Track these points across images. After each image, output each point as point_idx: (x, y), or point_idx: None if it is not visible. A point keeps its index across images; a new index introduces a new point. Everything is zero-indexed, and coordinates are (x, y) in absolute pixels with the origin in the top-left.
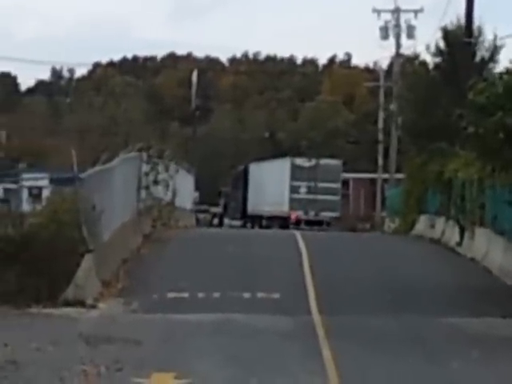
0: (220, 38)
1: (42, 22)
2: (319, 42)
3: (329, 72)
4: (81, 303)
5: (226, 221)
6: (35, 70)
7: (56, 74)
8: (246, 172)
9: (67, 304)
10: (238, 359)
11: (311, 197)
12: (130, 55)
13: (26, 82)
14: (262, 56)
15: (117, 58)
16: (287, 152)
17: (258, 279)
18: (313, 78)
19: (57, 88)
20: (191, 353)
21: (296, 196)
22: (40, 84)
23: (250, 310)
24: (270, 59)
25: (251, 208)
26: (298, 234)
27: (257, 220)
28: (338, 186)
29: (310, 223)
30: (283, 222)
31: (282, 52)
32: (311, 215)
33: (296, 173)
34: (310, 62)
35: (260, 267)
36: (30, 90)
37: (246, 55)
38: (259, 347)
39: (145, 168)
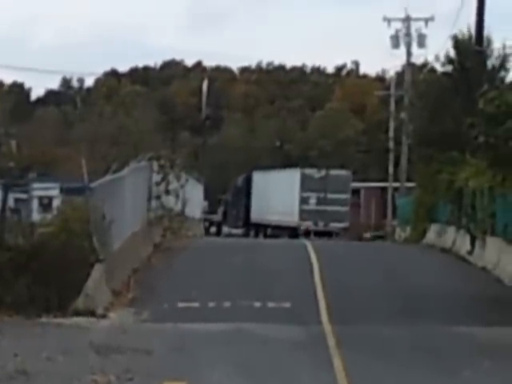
0: (232, 47)
1: (56, 32)
2: (330, 51)
3: (340, 81)
4: (91, 313)
5: (225, 229)
6: (46, 80)
7: (66, 83)
8: (248, 180)
9: (77, 314)
10: (248, 369)
11: (321, 208)
12: (141, 64)
13: (36, 91)
14: (273, 65)
15: (128, 67)
16: (297, 161)
17: (268, 288)
18: (323, 87)
19: (67, 97)
20: (202, 362)
21: (306, 207)
22: (50, 93)
23: (260, 319)
24: (281, 68)
25: (255, 216)
26: (308, 243)
27: (261, 229)
28: (347, 196)
29: (319, 234)
30: (292, 231)
31: (293, 61)
32: (320, 226)
33: (306, 184)
34: (320, 71)
35: (271, 276)
36: (39, 100)
37: (257, 64)
38: (270, 357)
39: (155, 178)
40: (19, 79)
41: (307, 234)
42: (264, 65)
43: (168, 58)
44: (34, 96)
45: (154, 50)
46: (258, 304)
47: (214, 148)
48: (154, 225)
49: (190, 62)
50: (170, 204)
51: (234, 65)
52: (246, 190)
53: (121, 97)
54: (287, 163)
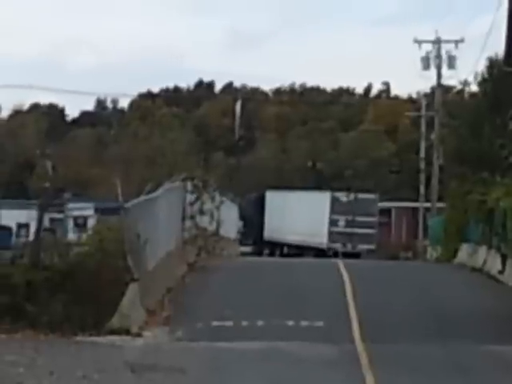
0: (266, 69)
1: (94, 55)
2: (361, 73)
3: (371, 102)
4: (126, 331)
5: None
6: (81, 101)
7: (100, 104)
8: (261, 199)
9: (113, 332)
10: None
11: (349, 230)
12: (176, 86)
13: (71, 112)
14: (306, 87)
15: (163, 88)
16: (330, 181)
17: (301, 307)
18: (355, 108)
19: (101, 119)
20: (236, 380)
21: (335, 229)
22: (85, 115)
23: (293, 337)
24: (314, 90)
25: (269, 234)
26: (340, 262)
27: (277, 247)
28: (374, 219)
29: (347, 255)
30: (318, 252)
31: (325, 82)
32: (349, 247)
33: (335, 206)
34: (352, 93)
35: (304, 295)
36: (74, 121)
37: (289, 86)
38: (303, 375)
39: (189, 198)
40: (55, 101)
41: (335, 254)
42: (297, 86)
43: (203, 79)
44: (69, 117)
45: (190, 71)
46: (291, 323)
47: (247, 168)
48: (189, 244)
49: (224, 83)
50: (204, 224)
51: (267, 86)
52: (258, 208)
53: (156, 118)
54: (319, 183)
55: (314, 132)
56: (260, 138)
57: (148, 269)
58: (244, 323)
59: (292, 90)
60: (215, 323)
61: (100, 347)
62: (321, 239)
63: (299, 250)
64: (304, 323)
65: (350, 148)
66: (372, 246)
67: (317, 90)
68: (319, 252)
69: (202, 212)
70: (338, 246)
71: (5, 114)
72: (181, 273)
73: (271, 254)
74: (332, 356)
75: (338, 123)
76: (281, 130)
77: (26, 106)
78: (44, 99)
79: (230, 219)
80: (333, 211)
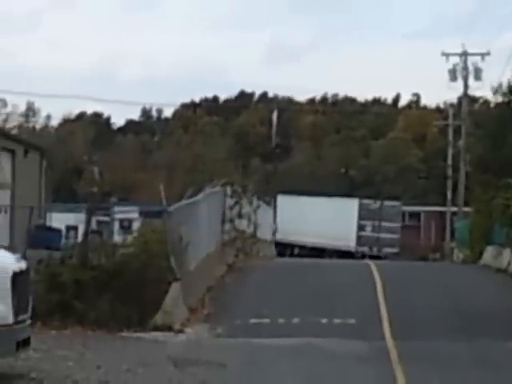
0: (301, 80)
1: (141, 66)
2: (391, 84)
3: (401, 112)
4: (169, 328)
5: None
6: (127, 110)
7: (145, 113)
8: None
9: (156, 329)
10: (316, 381)
11: (375, 235)
12: (214, 95)
13: (117, 121)
14: (338, 97)
15: (204, 99)
16: (360, 187)
17: (334, 305)
18: (385, 117)
19: (146, 127)
20: (273, 375)
21: (363, 233)
22: (130, 123)
23: (327, 334)
24: (345, 100)
25: (279, 237)
26: (371, 263)
27: (287, 248)
28: (398, 225)
29: (373, 258)
30: (343, 254)
31: (356, 93)
32: (374, 251)
33: (363, 213)
34: (383, 103)
35: (337, 294)
36: (120, 129)
37: (322, 96)
38: (336, 370)
39: (229, 202)
40: (103, 110)
41: (363, 257)
42: (329, 96)
43: (242, 89)
44: (114, 125)
45: (231, 82)
46: (324, 320)
47: (283, 174)
48: (228, 246)
49: (261, 93)
50: (242, 227)
51: (301, 97)
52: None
53: (199, 126)
54: (351, 188)
55: (347, 140)
56: (296, 146)
57: (190, 269)
58: (280, 320)
59: (324, 100)
60: (253, 320)
61: (144, 343)
62: (349, 242)
63: (315, 252)
64: (337, 321)
65: (380, 155)
66: (395, 250)
67: (348, 100)
68: (344, 254)
69: (240, 215)
70: (365, 250)
71: (54, 122)
72: (220, 273)
73: (280, 255)
74: (363, 352)
75: (369, 132)
76: (315, 138)
77: (73, 115)
78: (92, 108)
79: (266, 222)
80: (361, 217)
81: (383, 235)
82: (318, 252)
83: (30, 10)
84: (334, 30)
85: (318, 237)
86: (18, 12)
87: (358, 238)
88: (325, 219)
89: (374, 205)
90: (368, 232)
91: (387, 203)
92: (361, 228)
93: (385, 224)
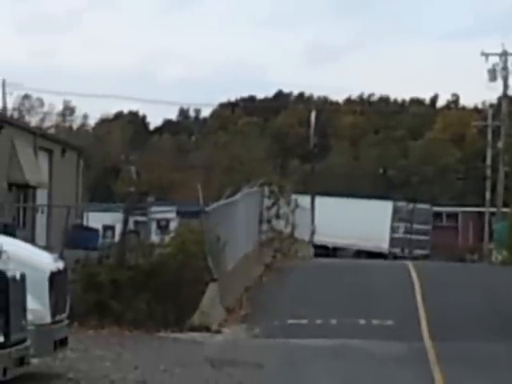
0: (337, 79)
1: (181, 66)
2: (430, 84)
3: (439, 112)
4: (206, 328)
5: None
6: (165, 110)
7: (183, 113)
8: None
9: (193, 329)
10: (354, 382)
11: (407, 236)
12: (251, 95)
13: (155, 121)
14: (374, 96)
15: (240, 98)
16: (399, 187)
17: (372, 306)
18: (423, 117)
19: (183, 127)
20: (310, 376)
21: (396, 235)
22: (167, 123)
23: (365, 335)
24: (383, 100)
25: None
26: (410, 263)
27: (324, 249)
28: (429, 227)
29: (404, 259)
30: (375, 255)
31: (394, 93)
32: (406, 252)
33: (397, 214)
34: (420, 103)
35: (375, 295)
36: (157, 129)
37: (358, 96)
38: (374, 371)
39: (266, 202)
40: (141, 110)
41: (395, 258)
42: (365, 96)
43: (279, 89)
44: (151, 125)
45: (269, 82)
46: (362, 321)
47: (321, 175)
48: (265, 246)
49: (300, 93)
50: (280, 227)
51: (337, 96)
52: None
53: (238, 126)
54: (388, 189)
55: (385, 140)
56: (335, 146)
57: (227, 269)
58: (318, 321)
59: (361, 100)
60: (290, 321)
61: (181, 343)
62: (382, 244)
63: (348, 253)
64: (375, 322)
65: (419, 155)
66: (426, 252)
67: (384, 100)
68: (376, 255)
69: (278, 216)
70: (397, 251)
71: (92, 121)
72: (258, 273)
73: (316, 255)
74: (401, 353)
75: (407, 132)
76: (354, 138)
77: (111, 115)
78: (131, 108)
79: (303, 222)
80: (394, 219)
81: (415, 237)
82: (352, 253)
83: (70, 10)
84: (374, 30)
85: (351, 238)
86: (58, 11)
87: (391, 239)
88: (359, 220)
89: (407, 207)
90: (400, 234)
91: (419, 206)
92: (394, 230)
93: (416, 226)
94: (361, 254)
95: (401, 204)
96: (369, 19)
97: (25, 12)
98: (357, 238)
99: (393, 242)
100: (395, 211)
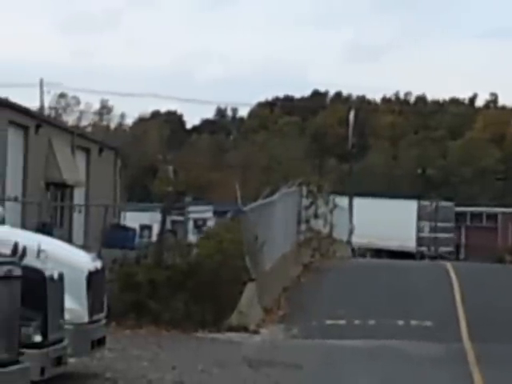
0: (374, 79)
1: (220, 65)
2: (468, 83)
3: (478, 112)
4: (244, 329)
5: None
6: (203, 110)
7: (220, 113)
8: None
9: (231, 329)
10: (392, 383)
11: (432, 235)
12: (287, 95)
13: (192, 120)
14: (411, 96)
15: (279, 97)
16: (438, 187)
17: (411, 307)
18: (462, 117)
19: (221, 126)
20: (348, 376)
21: (422, 234)
22: (205, 122)
23: (403, 336)
24: (421, 99)
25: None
26: (448, 264)
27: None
28: (452, 225)
29: (431, 258)
30: (405, 255)
31: (432, 92)
32: (432, 251)
33: (421, 214)
34: (459, 102)
35: (413, 295)
36: (195, 128)
37: (395, 95)
38: (412, 372)
39: (305, 202)
40: (177, 109)
41: (422, 257)
42: (401, 95)
43: (316, 88)
44: (189, 124)
45: (308, 82)
46: (400, 322)
47: (359, 174)
48: (303, 246)
49: (337, 93)
50: (318, 227)
51: (376, 95)
52: None
53: (278, 125)
54: (427, 189)
55: (425, 140)
56: (373, 146)
57: (265, 269)
58: (356, 322)
59: (399, 100)
60: (329, 321)
61: (219, 343)
62: (409, 243)
63: (380, 253)
64: (413, 322)
65: (458, 155)
66: (451, 249)
67: (422, 99)
68: (405, 255)
69: (316, 215)
70: (424, 250)
71: (129, 121)
72: (296, 273)
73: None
74: (440, 354)
75: (447, 132)
76: (394, 138)
77: (148, 114)
78: (168, 107)
79: (342, 222)
80: (420, 218)
81: (439, 235)
82: (383, 253)
83: (109, 9)
84: (413, 29)
85: (381, 238)
86: (96, 11)
87: (418, 238)
88: (385, 220)
89: (431, 206)
90: (426, 232)
91: (442, 204)
92: (420, 229)
93: (440, 224)
94: (391, 253)
95: (425, 203)
96: (408, 18)
97: (65, 12)
98: (386, 238)
99: (419, 241)
100: (420, 210)
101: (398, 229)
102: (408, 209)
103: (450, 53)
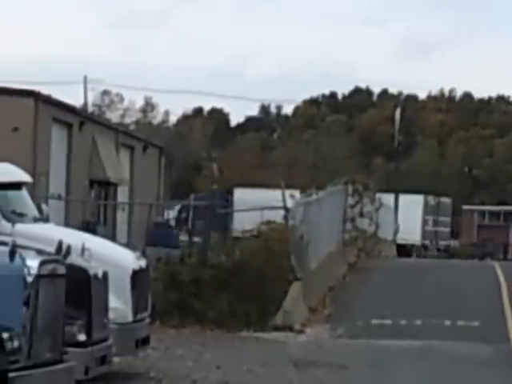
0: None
1: (268, 63)
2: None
3: None
4: (289, 328)
5: None
6: (249, 107)
7: (264, 110)
8: None
9: (276, 329)
10: None
11: (435, 228)
12: (333, 91)
13: (237, 118)
14: (456, 93)
15: (326, 95)
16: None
17: (458, 307)
18: (510, 115)
19: (266, 124)
20: (394, 377)
21: (426, 228)
22: (250, 120)
23: (450, 337)
24: (467, 97)
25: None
26: (496, 264)
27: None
28: (449, 219)
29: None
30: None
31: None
32: (434, 244)
33: (427, 208)
34: (506, 100)
35: (460, 295)
36: (239, 126)
37: (439, 92)
38: (460, 374)
39: (350, 201)
40: (222, 106)
41: (425, 249)
42: (446, 92)
43: (367, 86)
44: (233, 122)
45: (354, 79)
46: (447, 322)
47: (405, 173)
48: (349, 245)
49: (384, 90)
50: (363, 226)
51: (422, 93)
52: None
53: (325, 123)
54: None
55: (473, 138)
56: (420, 144)
57: (310, 268)
58: (402, 322)
59: (447, 98)
60: (374, 321)
61: (264, 343)
62: (414, 236)
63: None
64: (460, 323)
65: (505, 154)
66: (447, 242)
67: (468, 96)
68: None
69: (361, 214)
70: (427, 243)
71: (173, 118)
72: (341, 272)
73: None
74: (488, 355)
75: (495, 130)
76: (441, 136)
77: (192, 111)
78: (213, 105)
79: (387, 221)
80: (425, 212)
81: (439, 229)
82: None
83: (157, 7)
84: (466, 27)
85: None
86: (144, 8)
87: (423, 232)
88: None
89: (434, 201)
90: (430, 226)
91: (442, 199)
92: (425, 222)
93: (441, 218)
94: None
95: (429, 198)
96: (458, 16)
97: (112, 9)
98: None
99: (424, 234)
100: (426, 205)
101: (403, 223)
102: (414, 203)
103: (503, 50)
